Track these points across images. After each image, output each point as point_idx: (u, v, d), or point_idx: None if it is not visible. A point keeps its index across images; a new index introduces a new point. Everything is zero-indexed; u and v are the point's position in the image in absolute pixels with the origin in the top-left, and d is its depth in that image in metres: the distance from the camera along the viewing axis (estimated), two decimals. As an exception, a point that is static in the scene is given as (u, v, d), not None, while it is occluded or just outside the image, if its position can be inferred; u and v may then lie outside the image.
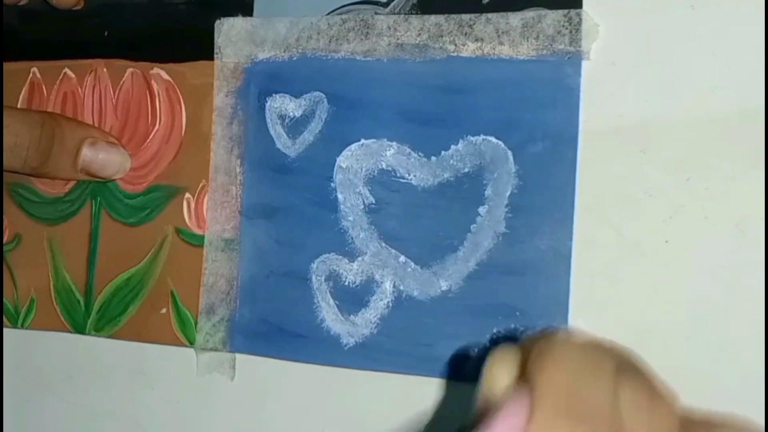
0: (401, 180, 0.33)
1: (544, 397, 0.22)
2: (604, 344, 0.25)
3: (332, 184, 0.34)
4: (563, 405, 0.21)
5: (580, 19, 0.30)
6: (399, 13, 0.33)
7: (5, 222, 0.41)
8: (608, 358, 0.23)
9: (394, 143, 0.33)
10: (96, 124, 0.39)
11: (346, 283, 0.34)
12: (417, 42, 0.33)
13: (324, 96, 0.34)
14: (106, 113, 0.39)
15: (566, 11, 0.30)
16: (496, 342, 0.31)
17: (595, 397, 0.22)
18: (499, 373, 0.24)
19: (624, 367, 0.23)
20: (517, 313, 0.31)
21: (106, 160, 0.38)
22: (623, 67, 0.30)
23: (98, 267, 0.39)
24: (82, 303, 0.39)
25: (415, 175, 0.33)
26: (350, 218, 0.34)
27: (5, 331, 0.40)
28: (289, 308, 0.35)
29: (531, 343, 0.23)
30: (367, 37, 0.33)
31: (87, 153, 0.37)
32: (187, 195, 0.37)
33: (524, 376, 0.22)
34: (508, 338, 0.31)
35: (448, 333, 0.32)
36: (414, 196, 0.33)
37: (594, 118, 0.30)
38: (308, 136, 0.35)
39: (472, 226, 0.32)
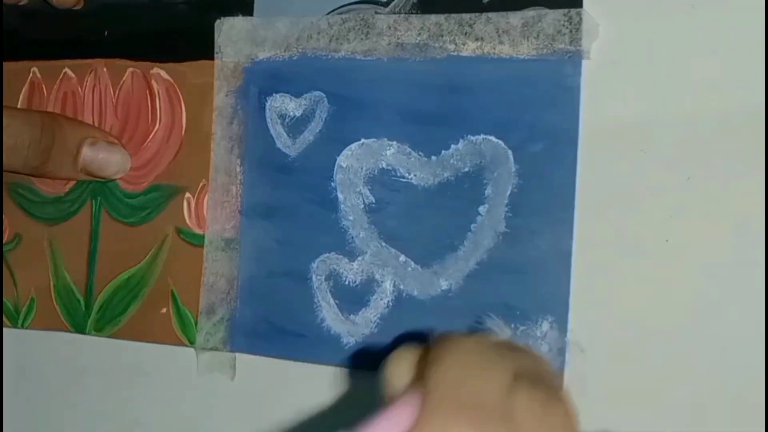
0: (401, 179, 0.33)
1: (434, 392, 0.21)
2: (507, 346, 0.24)
3: (332, 184, 0.34)
4: (453, 400, 0.21)
5: (581, 19, 0.30)
6: (399, 13, 0.33)
7: (5, 222, 0.41)
8: (506, 360, 0.23)
9: (395, 143, 0.33)
10: (96, 124, 0.39)
11: (347, 283, 0.34)
12: (417, 41, 0.33)
13: (324, 95, 0.34)
14: (107, 113, 0.39)
15: (566, 10, 0.30)
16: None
17: (487, 394, 0.21)
18: (397, 372, 0.24)
19: (523, 372, 0.22)
20: (518, 313, 0.31)
21: (107, 159, 0.38)
22: (623, 67, 0.30)
23: (98, 267, 0.39)
24: (82, 303, 0.39)
25: (415, 175, 0.33)
26: (350, 218, 0.34)
27: (5, 330, 0.40)
28: (289, 308, 0.35)
29: (433, 344, 0.23)
30: (367, 37, 0.33)
31: (87, 153, 0.37)
32: (188, 195, 0.37)
33: (420, 375, 0.22)
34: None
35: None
36: (414, 196, 0.33)
37: (594, 117, 0.30)
38: (308, 135, 0.35)
39: (472, 226, 0.32)
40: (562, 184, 0.30)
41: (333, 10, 0.34)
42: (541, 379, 0.23)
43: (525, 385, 0.22)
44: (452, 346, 0.23)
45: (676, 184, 0.29)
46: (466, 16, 0.32)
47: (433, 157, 0.32)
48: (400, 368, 0.24)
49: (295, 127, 0.35)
